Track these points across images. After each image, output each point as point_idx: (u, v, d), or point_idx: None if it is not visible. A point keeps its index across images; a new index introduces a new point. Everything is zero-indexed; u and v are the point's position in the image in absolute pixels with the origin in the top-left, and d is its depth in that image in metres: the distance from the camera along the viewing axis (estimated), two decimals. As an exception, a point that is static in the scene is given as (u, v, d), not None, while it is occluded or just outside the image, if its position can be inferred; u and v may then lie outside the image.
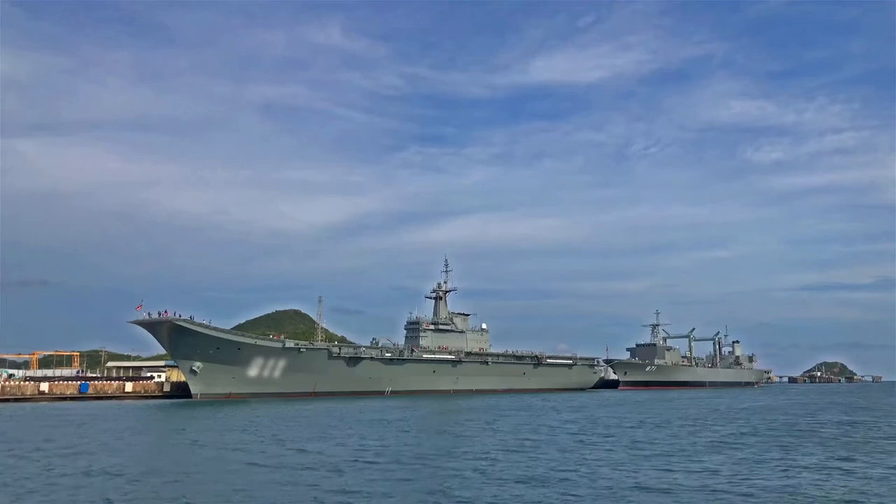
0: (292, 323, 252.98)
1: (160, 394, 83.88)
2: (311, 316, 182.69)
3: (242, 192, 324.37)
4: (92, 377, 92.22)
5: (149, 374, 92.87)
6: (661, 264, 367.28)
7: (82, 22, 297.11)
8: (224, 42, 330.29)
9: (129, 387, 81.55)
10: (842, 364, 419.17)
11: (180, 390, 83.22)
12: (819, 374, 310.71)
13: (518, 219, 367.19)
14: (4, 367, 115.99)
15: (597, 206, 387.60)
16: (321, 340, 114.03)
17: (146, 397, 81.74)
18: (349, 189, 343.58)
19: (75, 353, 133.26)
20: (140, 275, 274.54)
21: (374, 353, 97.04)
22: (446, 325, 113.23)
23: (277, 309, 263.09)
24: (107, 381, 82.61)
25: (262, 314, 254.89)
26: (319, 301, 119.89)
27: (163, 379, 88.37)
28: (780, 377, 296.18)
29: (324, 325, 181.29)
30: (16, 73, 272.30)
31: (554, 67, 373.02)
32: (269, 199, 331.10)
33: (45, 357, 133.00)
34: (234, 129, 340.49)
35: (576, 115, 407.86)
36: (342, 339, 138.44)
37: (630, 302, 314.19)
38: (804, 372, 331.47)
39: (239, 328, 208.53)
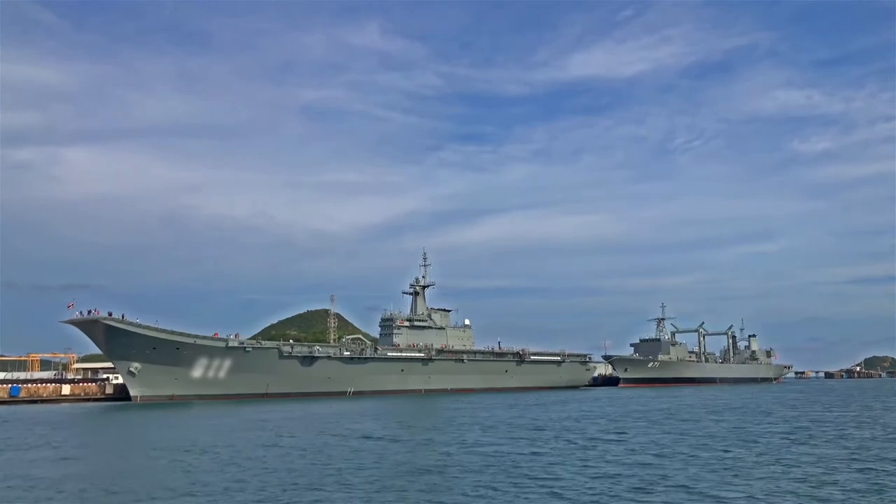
0: (322, 322, 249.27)
1: (102, 396, 78.61)
2: (341, 315, 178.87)
3: (284, 195, 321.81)
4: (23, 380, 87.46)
5: (105, 376, 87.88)
6: (705, 259, 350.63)
7: (126, 31, 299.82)
8: (264, 47, 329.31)
9: (65, 389, 76.43)
10: (893, 358, 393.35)
11: (125, 393, 77.74)
12: (858, 369, 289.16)
13: (558, 215, 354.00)
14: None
15: (638, 202, 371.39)
16: (334, 338, 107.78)
17: (86, 400, 76.62)
18: (389, 189, 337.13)
19: (71, 356, 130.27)
20: (181, 279, 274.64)
21: (331, 351, 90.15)
22: (423, 321, 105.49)
23: (309, 309, 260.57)
24: (41, 383, 77.62)
25: (295, 314, 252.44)
26: (332, 299, 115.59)
27: (112, 381, 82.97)
28: (816, 373, 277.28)
29: (347, 322, 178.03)
30: (64, 84, 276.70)
31: (593, 62, 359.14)
32: (311, 202, 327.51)
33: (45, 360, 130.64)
34: (276, 133, 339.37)
35: (616, 110, 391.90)
36: (363, 337, 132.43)
37: (672, 298, 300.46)
38: (852, 366, 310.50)
39: (269, 328, 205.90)
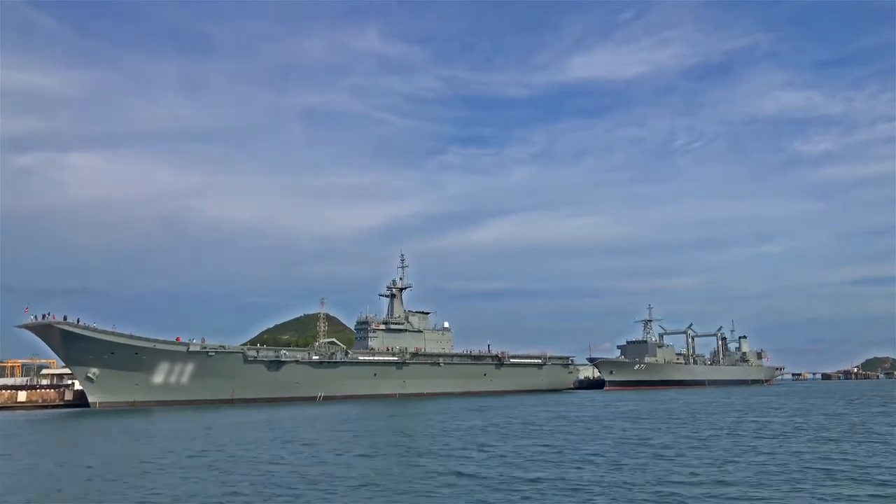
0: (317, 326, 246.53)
1: (61, 403, 75.70)
2: (338, 318, 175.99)
3: (286, 199, 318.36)
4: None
5: (68, 382, 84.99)
6: (706, 261, 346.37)
7: (127, 36, 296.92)
8: (264, 51, 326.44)
9: (21, 396, 73.59)
10: (893, 359, 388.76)
11: (84, 399, 74.81)
12: (856, 370, 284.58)
13: (560, 217, 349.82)
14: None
15: (639, 203, 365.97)
16: (324, 342, 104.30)
17: (43, 407, 73.73)
18: (391, 193, 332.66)
19: (52, 361, 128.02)
20: (182, 283, 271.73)
21: (299, 356, 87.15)
22: (399, 324, 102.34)
23: (306, 312, 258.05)
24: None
25: (292, 318, 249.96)
26: (322, 303, 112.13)
27: (73, 387, 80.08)
28: (813, 374, 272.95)
29: (344, 326, 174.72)
30: (65, 89, 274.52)
31: (593, 64, 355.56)
32: (313, 206, 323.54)
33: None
34: (277, 137, 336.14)
35: (616, 112, 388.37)
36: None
37: (674, 299, 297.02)
38: (851, 367, 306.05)
39: (263, 333, 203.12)
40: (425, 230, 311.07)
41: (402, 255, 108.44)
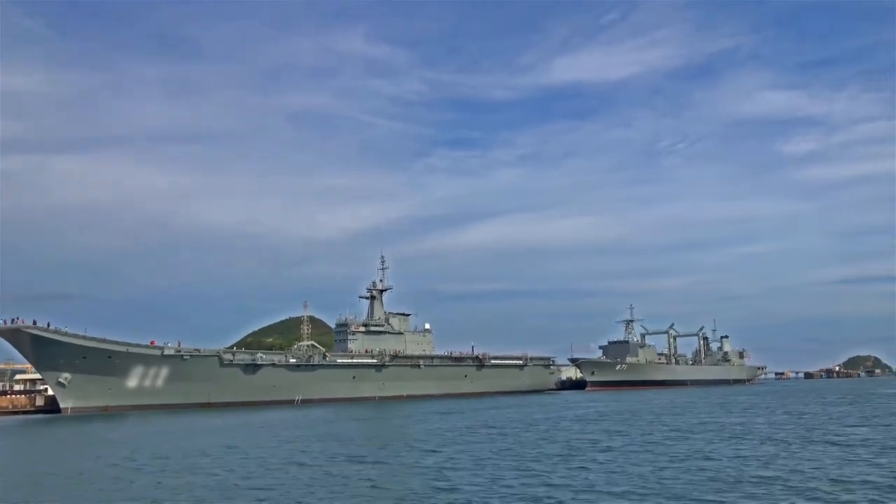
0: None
1: (32, 409, 74.00)
2: (324, 321, 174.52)
3: (274, 201, 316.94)
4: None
5: (41, 387, 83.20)
6: (695, 261, 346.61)
7: (115, 39, 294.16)
8: (252, 54, 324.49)
9: (-10, 402, 71.87)
10: (875, 358, 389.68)
11: (56, 405, 73.08)
12: (838, 368, 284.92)
13: (548, 219, 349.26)
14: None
15: (627, 204, 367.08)
16: (303, 345, 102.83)
17: (14, 413, 72.03)
18: (379, 195, 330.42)
19: (28, 366, 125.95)
20: (170, 286, 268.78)
21: (276, 359, 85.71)
22: (379, 326, 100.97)
23: (291, 315, 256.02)
24: (-35, 396, 73.23)
25: (278, 321, 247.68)
26: (305, 306, 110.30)
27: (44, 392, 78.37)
28: (796, 373, 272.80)
29: (329, 329, 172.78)
30: (52, 92, 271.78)
31: (580, 66, 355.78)
32: (301, 208, 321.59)
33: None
34: (264, 140, 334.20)
35: (603, 114, 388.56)
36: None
37: (663, 299, 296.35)
38: (833, 366, 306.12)
39: (247, 336, 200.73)
40: (414, 232, 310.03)
41: (382, 256, 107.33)
